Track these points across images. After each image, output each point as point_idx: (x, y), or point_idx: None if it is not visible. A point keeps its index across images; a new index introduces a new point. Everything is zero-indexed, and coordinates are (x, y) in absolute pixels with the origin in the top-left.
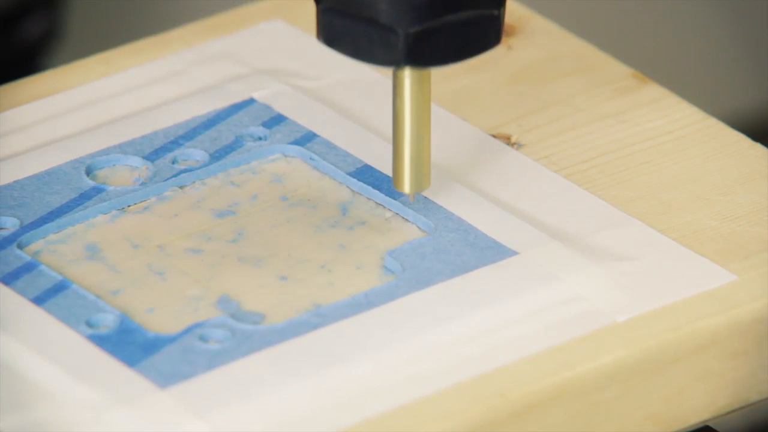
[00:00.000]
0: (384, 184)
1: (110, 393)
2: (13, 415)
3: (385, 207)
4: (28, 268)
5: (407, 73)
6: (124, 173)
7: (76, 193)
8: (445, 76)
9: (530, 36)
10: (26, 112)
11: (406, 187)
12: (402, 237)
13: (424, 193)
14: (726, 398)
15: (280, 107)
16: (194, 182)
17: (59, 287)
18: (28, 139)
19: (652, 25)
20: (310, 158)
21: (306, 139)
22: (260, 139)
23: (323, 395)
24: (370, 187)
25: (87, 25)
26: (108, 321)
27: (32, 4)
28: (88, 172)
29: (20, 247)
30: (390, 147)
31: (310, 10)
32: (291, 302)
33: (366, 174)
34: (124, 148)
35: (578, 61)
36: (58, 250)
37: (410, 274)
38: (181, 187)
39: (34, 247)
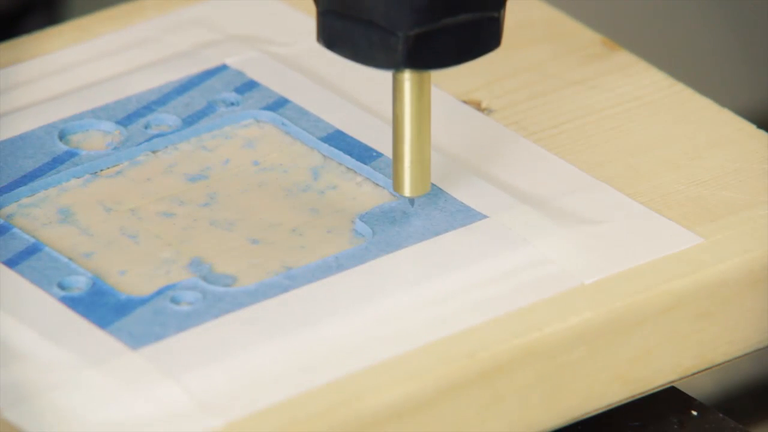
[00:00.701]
0: (355, 149)
1: (82, 354)
2: None
3: (356, 172)
4: (1, 231)
5: (407, 76)
6: (97, 138)
7: (49, 157)
8: None
9: None
10: (0, 78)
11: (407, 191)
12: (372, 201)
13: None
14: (692, 360)
15: (253, 73)
16: (167, 147)
17: (32, 250)
18: (1, 104)
19: None
20: (282, 123)
21: (278, 104)
22: (232, 104)
23: (294, 356)
24: (341, 152)
25: None
26: (80, 283)
27: (32, 2)
28: (62, 136)
29: None
30: (362, 112)
31: None
32: (262, 265)
33: (337, 139)
34: (97, 113)
35: (548, 27)
36: (31, 213)
37: (380, 237)
38: (153, 152)
39: (7, 210)
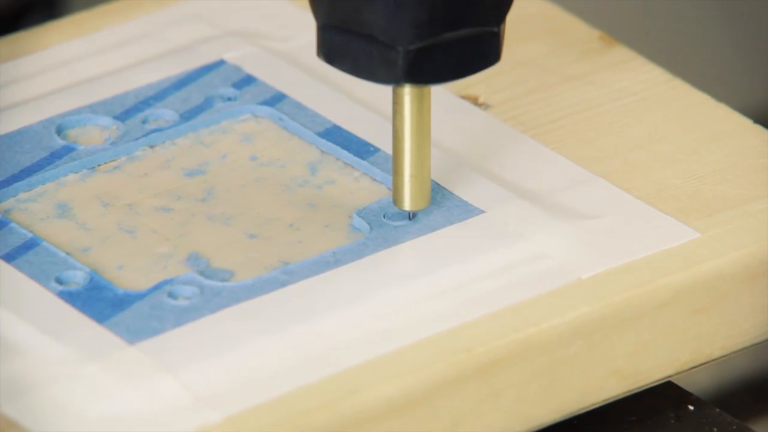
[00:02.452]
0: (352, 144)
1: (80, 349)
2: None
3: (353, 167)
4: None
5: (407, 90)
6: (95, 133)
7: (47, 152)
8: None
9: None
10: None
11: (406, 205)
12: (370, 196)
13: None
14: (689, 354)
15: (250, 68)
16: (164, 142)
17: (29, 244)
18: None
19: None
20: (280, 119)
21: (275, 99)
22: (230, 99)
23: (290, 351)
24: (338, 147)
25: None
26: (78, 278)
27: (32, 2)
28: (59, 131)
29: None
30: (360, 108)
31: None
32: (259, 260)
33: (335, 134)
34: (94, 108)
35: (546, 23)
36: (29, 208)
37: (378, 233)
38: (151, 147)
39: (4, 205)
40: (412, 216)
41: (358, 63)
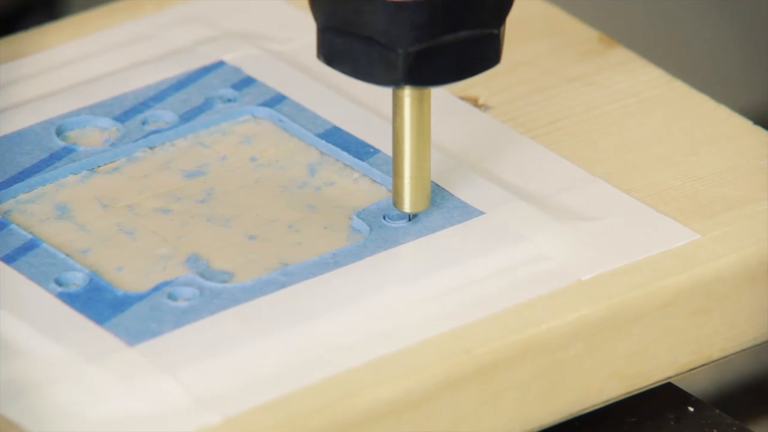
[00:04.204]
0: (352, 145)
1: (79, 350)
2: None
3: (353, 168)
4: None
5: (407, 93)
6: (94, 134)
7: (47, 153)
8: None
9: None
10: None
11: (406, 207)
12: (369, 198)
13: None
14: (689, 356)
15: (250, 70)
16: (164, 143)
17: (29, 246)
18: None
19: None
20: (279, 120)
21: (275, 101)
22: (230, 101)
23: (290, 352)
24: (338, 149)
25: None
26: (77, 279)
27: (32, 3)
28: (59, 132)
29: None
30: (359, 109)
31: None
32: (259, 261)
33: (334, 136)
34: (94, 110)
35: (546, 24)
36: (29, 209)
37: (377, 234)
38: (150, 148)
39: (4, 206)
40: (411, 217)
41: (358, 65)
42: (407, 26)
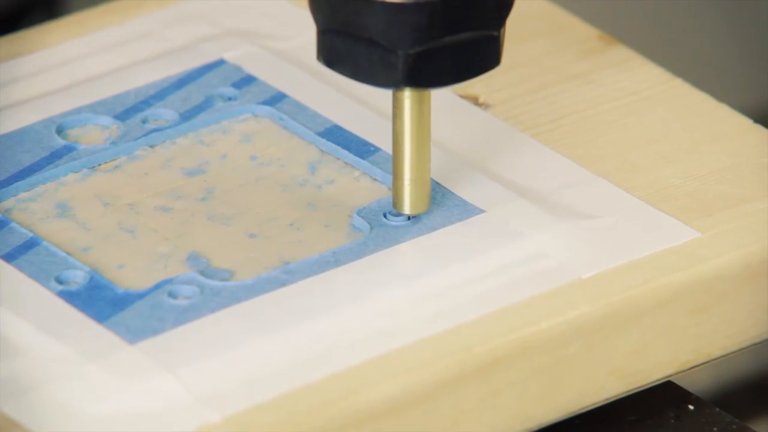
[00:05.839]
0: (352, 144)
1: (80, 348)
2: None
3: (353, 166)
4: None
5: (407, 94)
6: (95, 132)
7: (47, 151)
8: None
9: None
10: None
11: (407, 209)
12: (370, 196)
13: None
14: (689, 354)
15: (251, 68)
16: (164, 141)
17: (30, 244)
18: (0, 98)
19: None
20: (280, 118)
21: (276, 99)
22: (230, 99)
23: (290, 350)
24: (338, 147)
25: None
26: (78, 277)
27: (32, 2)
28: (59, 131)
29: None
30: (360, 107)
31: None
32: (260, 259)
33: (335, 134)
34: (95, 108)
35: (546, 22)
36: (29, 207)
37: (378, 232)
38: (151, 146)
39: (5, 204)
40: (411, 216)
41: (358, 67)
42: (407, 28)
